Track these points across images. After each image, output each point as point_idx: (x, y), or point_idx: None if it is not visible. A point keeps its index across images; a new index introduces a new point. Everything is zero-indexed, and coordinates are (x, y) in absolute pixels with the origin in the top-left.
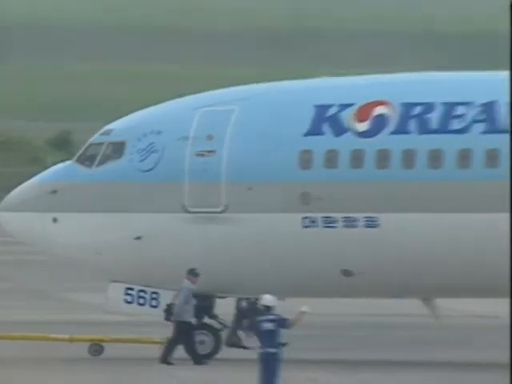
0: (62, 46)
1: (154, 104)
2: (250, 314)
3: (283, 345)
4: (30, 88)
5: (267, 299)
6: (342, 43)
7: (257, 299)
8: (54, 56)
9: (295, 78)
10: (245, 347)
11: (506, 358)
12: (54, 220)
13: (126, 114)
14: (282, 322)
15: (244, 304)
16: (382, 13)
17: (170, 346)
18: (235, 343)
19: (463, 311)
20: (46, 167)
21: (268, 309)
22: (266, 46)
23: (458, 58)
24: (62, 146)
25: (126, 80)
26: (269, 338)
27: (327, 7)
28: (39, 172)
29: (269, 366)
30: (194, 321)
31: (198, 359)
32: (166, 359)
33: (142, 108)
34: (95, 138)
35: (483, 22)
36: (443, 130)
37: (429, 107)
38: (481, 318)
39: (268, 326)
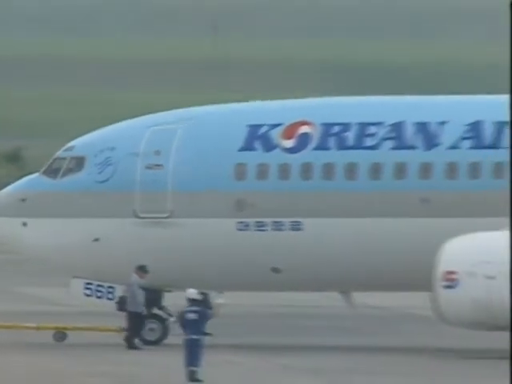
0: (12, 72)
1: (93, 124)
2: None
3: (207, 334)
4: None
5: (191, 293)
6: (255, 72)
7: (205, 293)
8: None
9: (216, 102)
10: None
11: (407, 342)
12: (24, 224)
13: (69, 134)
14: (204, 313)
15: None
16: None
17: (131, 332)
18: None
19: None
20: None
21: (192, 301)
22: (189, 74)
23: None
24: (14, 161)
25: (70, 103)
26: (192, 327)
27: (246, 43)
28: None
29: (192, 350)
30: (144, 311)
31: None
32: (131, 343)
33: (82, 128)
34: (59, 153)
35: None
36: (358, 146)
37: (345, 127)
38: (375, 309)
39: (191, 316)
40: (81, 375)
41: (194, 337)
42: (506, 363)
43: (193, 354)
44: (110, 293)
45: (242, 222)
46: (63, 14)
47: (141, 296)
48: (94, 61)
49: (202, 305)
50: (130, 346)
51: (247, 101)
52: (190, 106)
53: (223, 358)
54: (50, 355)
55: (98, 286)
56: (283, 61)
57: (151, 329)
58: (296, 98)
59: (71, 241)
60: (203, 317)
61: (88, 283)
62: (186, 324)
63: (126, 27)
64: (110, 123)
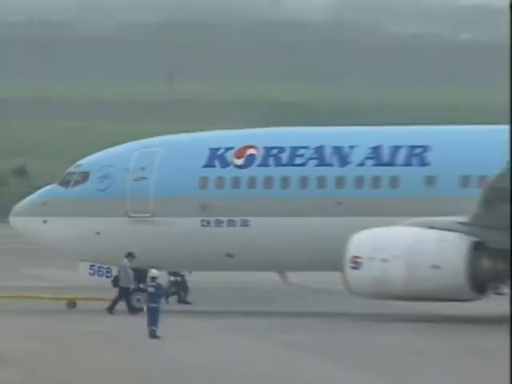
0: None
1: (81, 148)
2: (178, 284)
3: (188, 303)
4: None
5: (153, 272)
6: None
7: (182, 275)
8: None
9: (175, 133)
10: (188, 303)
11: (313, 309)
12: (44, 221)
13: (64, 155)
14: (159, 288)
15: (174, 278)
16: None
17: (114, 302)
18: (181, 301)
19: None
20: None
21: (153, 278)
22: (150, 111)
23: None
24: (19, 175)
25: (63, 132)
26: (152, 297)
27: (200, 86)
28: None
29: (152, 315)
30: (132, 286)
31: (135, 311)
32: (111, 311)
33: (73, 151)
34: (70, 169)
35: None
36: (290, 163)
37: (281, 149)
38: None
39: (151, 289)
40: (72, 334)
41: (154, 305)
42: (392, 324)
43: (153, 317)
44: (108, 272)
45: (204, 220)
46: (53, 63)
47: (130, 275)
48: (82, 99)
49: (182, 284)
50: (110, 311)
51: (206, 130)
52: (156, 135)
53: (177, 321)
54: (55, 318)
55: (99, 267)
56: (229, 101)
57: (138, 299)
58: (235, 128)
59: (79, 234)
60: (159, 290)
61: (92, 265)
62: (147, 295)
63: (111, 74)
64: (96, 148)
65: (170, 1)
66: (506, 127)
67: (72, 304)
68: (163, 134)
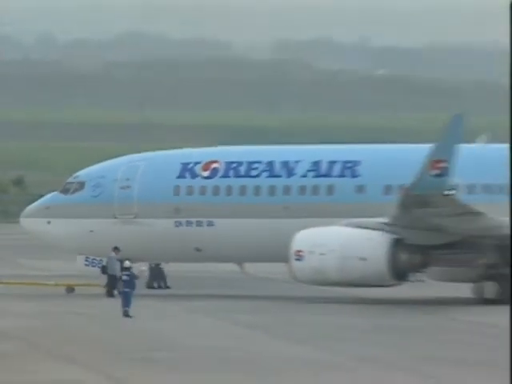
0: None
1: (71, 164)
2: (156, 272)
3: (167, 287)
4: None
5: (126, 263)
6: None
7: (158, 264)
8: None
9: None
10: (161, 287)
11: (262, 293)
12: (48, 222)
13: (55, 168)
14: (132, 276)
15: (153, 266)
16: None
17: (110, 288)
18: (151, 287)
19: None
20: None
21: (126, 268)
22: (126, 133)
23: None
24: (18, 184)
25: (56, 150)
26: (126, 284)
27: (172, 114)
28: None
29: (125, 298)
30: (118, 274)
31: (111, 295)
32: (111, 294)
33: (64, 165)
34: (69, 179)
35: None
36: (247, 175)
37: (239, 164)
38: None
39: (125, 277)
40: (64, 314)
41: (127, 290)
42: (329, 306)
43: (126, 300)
44: (99, 263)
45: (177, 221)
46: (49, 94)
47: (117, 265)
48: (72, 123)
49: (160, 273)
50: (109, 295)
51: (177, 148)
52: (131, 153)
53: (146, 303)
54: (55, 301)
55: (93, 259)
56: (190, 125)
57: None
58: (196, 147)
59: (76, 232)
60: (132, 278)
61: (87, 258)
62: (122, 282)
63: (96, 103)
64: (83, 163)
65: (145, 45)
66: (417, 146)
67: (71, 289)
68: (137, 151)
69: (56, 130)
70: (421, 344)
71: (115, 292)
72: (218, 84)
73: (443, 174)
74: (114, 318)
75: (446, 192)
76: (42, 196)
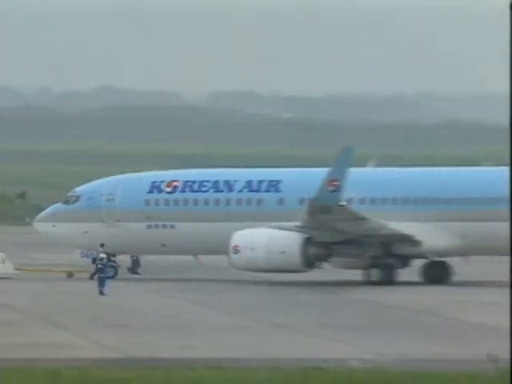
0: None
1: (63, 183)
2: (135, 262)
3: (138, 274)
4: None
5: (101, 255)
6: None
7: (136, 256)
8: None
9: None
10: (138, 273)
11: (208, 277)
12: (53, 226)
13: (52, 186)
14: (106, 265)
15: (134, 258)
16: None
17: (94, 273)
18: (135, 272)
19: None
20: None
21: (101, 259)
22: (99, 160)
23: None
24: (21, 198)
25: (52, 172)
26: (101, 270)
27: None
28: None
29: (100, 281)
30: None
31: (92, 278)
32: (92, 277)
33: (59, 184)
34: (69, 193)
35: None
36: (199, 191)
37: (194, 182)
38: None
39: (100, 265)
40: (60, 293)
41: (102, 275)
42: (259, 287)
43: (101, 283)
44: (91, 255)
45: (148, 224)
46: (50, 130)
47: (102, 256)
48: (62, 153)
49: (137, 262)
50: (91, 278)
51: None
52: (106, 176)
53: (122, 285)
54: (55, 283)
55: (86, 253)
56: (147, 153)
57: (109, 271)
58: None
59: (75, 233)
60: (105, 266)
61: (82, 251)
62: (98, 269)
63: (80, 138)
64: (72, 182)
65: (114, 95)
66: (319, 169)
67: (70, 275)
68: (111, 174)
69: (49, 157)
70: (319, 315)
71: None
72: (168, 124)
73: (337, 190)
74: (93, 296)
75: (340, 203)
76: (39, 206)
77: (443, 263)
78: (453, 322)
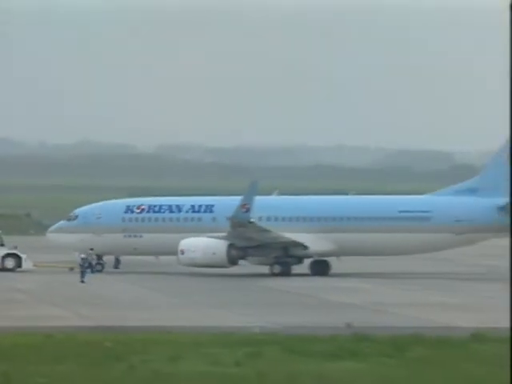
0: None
1: (59, 206)
2: (117, 261)
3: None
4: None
5: (82, 255)
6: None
7: (118, 256)
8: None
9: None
10: (118, 268)
11: (169, 271)
12: (61, 236)
13: (53, 206)
14: (86, 261)
15: (117, 258)
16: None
17: (81, 270)
18: (117, 268)
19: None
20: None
21: (82, 258)
22: (77, 190)
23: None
24: (28, 216)
25: (51, 198)
26: (81, 266)
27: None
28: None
29: (82, 274)
30: (95, 261)
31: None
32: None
33: (59, 206)
34: (70, 214)
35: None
36: (160, 212)
37: (158, 206)
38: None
39: (81, 262)
40: (56, 281)
41: (83, 270)
42: (198, 278)
43: (82, 275)
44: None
45: (125, 235)
46: (53, 172)
47: (93, 256)
48: (51, 185)
49: (117, 260)
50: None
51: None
52: (81, 201)
53: (103, 277)
54: (58, 275)
55: (84, 255)
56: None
57: (98, 269)
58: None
59: (74, 240)
60: (85, 263)
61: (79, 253)
62: (81, 265)
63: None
64: (65, 207)
65: (91, 146)
66: (237, 197)
67: (71, 269)
68: (91, 202)
69: (47, 189)
70: (235, 296)
71: (89, 271)
72: (129, 166)
73: (247, 211)
74: (76, 284)
75: (250, 220)
76: (40, 223)
77: (325, 261)
78: (325, 301)
